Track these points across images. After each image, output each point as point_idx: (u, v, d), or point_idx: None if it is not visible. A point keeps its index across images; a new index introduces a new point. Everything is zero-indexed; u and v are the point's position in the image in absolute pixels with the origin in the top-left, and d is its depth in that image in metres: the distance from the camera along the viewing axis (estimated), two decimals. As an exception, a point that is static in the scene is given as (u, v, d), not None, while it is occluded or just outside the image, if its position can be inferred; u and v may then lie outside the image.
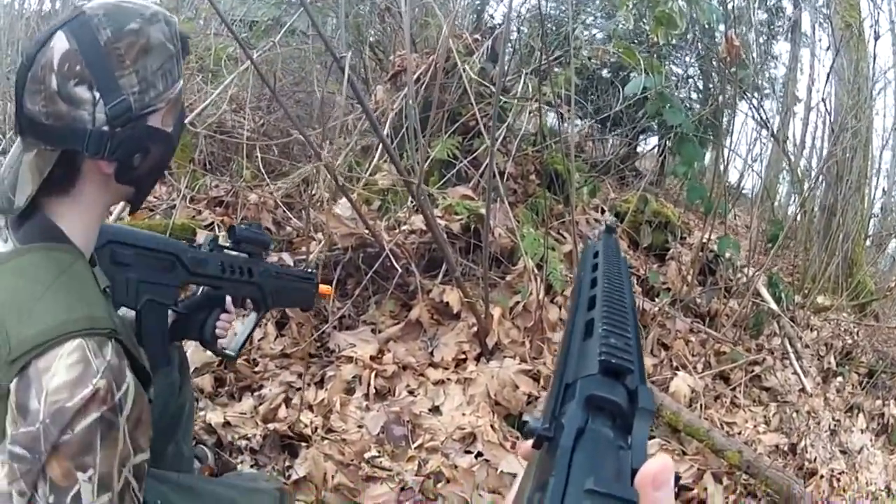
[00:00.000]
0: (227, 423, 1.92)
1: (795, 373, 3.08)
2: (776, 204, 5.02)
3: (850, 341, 3.61)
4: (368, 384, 2.19)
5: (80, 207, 0.93)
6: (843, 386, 3.26)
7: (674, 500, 0.32)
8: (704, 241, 3.18)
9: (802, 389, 2.99)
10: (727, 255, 3.32)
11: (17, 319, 0.80)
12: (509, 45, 3.65)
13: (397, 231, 2.59)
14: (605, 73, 4.55)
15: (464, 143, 2.91)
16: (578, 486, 0.30)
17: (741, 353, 2.96)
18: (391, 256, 2.40)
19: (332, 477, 1.79)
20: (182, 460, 1.46)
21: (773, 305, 3.29)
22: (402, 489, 1.83)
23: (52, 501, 0.76)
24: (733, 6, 3.41)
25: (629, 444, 0.35)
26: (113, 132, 0.88)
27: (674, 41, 4.04)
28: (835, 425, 2.85)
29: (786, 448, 2.58)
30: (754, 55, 4.28)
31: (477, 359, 2.40)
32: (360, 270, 2.52)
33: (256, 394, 2.09)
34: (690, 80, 4.84)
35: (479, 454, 1.99)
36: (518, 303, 2.57)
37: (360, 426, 2.02)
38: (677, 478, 0.32)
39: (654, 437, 2.28)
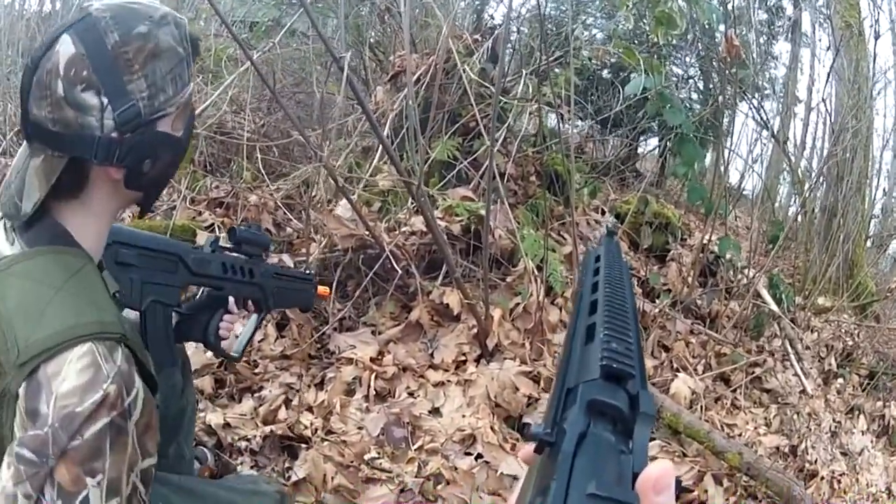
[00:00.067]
0: (226, 425, 1.92)
1: (796, 374, 3.08)
2: (777, 205, 5.02)
3: (850, 343, 3.60)
4: (368, 386, 2.19)
5: (88, 212, 0.92)
6: (844, 387, 3.25)
7: None
8: (705, 242, 3.18)
9: (803, 391, 2.99)
10: (728, 256, 3.31)
11: (25, 323, 0.79)
12: (509, 45, 3.64)
13: (397, 232, 2.59)
14: (605, 73, 4.55)
15: (464, 144, 2.91)
16: (580, 491, 0.30)
17: (742, 355, 2.95)
18: (391, 258, 2.40)
19: (332, 478, 1.79)
20: (183, 462, 1.46)
21: (774, 307, 3.28)
22: (402, 491, 1.83)
23: None
24: (733, 6, 3.40)
25: (630, 448, 0.35)
26: (122, 138, 0.87)
27: (674, 41, 4.04)
28: (835, 427, 2.85)
29: (786, 450, 2.57)
30: (754, 55, 4.28)
31: (477, 360, 2.40)
32: (360, 272, 2.52)
33: (256, 395, 2.09)
34: (691, 81, 4.84)
35: (479, 456, 1.99)
36: (518, 304, 2.57)
37: (359, 428, 2.02)
38: (678, 482, 0.32)
39: (654, 439, 2.28)
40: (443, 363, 2.35)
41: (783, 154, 4.23)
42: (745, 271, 3.44)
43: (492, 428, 2.09)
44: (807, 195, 3.84)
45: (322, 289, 1.61)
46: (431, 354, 2.40)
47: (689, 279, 3.25)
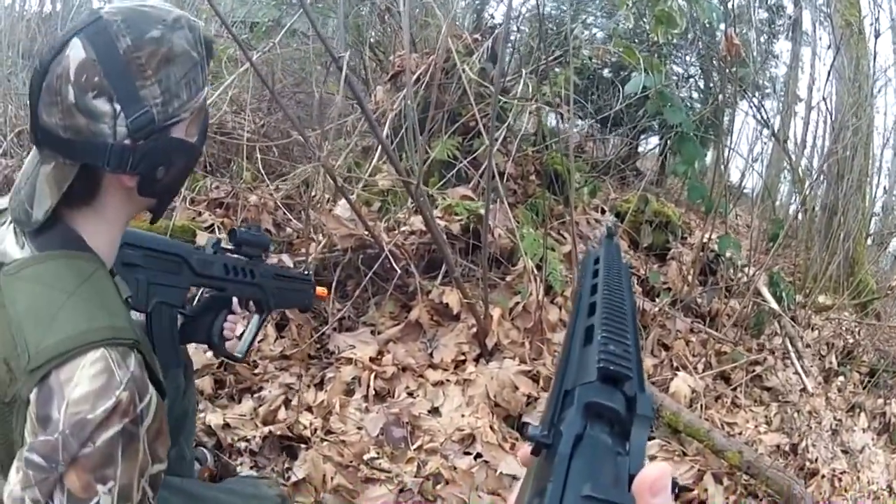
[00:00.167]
0: (226, 425, 1.92)
1: (797, 372, 3.07)
2: (777, 203, 5.02)
3: (851, 340, 3.60)
4: (368, 386, 2.19)
5: (101, 219, 0.90)
6: (845, 385, 3.25)
7: None
8: (705, 240, 3.18)
9: (804, 389, 2.98)
10: (728, 254, 3.31)
11: (36, 327, 0.78)
12: (509, 45, 3.64)
13: (397, 232, 2.59)
14: (605, 72, 4.55)
15: (464, 144, 2.91)
16: (576, 493, 0.30)
17: (742, 353, 2.95)
18: (391, 257, 2.40)
19: (332, 478, 1.80)
20: (184, 464, 1.46)
21: (774, 305, 3.28)
22: (402, 491, 1.83)
23: None
24: (733, 5, 3.40)
25: (627, 450, 0.35)
26: (135, 146, 0.85)
27: (674, 40, 4.03)
28: (836, 425, 2.84)
29: (787, 448, 2.57)
30: (755, 54, 4.28)
31: (476, 360, 2.40)
32: (359, 272, 2.52)
33: (256, 395, 2.10)
34: (691, 80, 4.84)
35: (479, 455, 1.99)
36: (518, 303, 2.58)
37: (359, 428, 2.02)
38: (675, 483, 0.32)
39: (654, 438, 2.28)
40: (442, 363, 2.35)
41: (784, 152, 4.23)
42: (746, 269, 3.44)
43: (491, 427, 2.09)
44: (807, 193, 3.84)
45: (320, 290, 1.62)
46: (431, 354, 2.40)
47: (690, 278, 3.25)
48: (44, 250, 0.86)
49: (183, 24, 0.88)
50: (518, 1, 3.69)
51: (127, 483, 0.77)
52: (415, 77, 2.67)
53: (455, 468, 1.93)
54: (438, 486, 1.86)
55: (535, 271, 2.54)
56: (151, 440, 0.81)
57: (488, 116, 2.32)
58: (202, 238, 2.37)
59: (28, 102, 0.87)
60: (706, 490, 2.13)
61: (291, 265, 2.36)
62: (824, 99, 4.17)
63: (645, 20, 3.62)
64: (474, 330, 2.43)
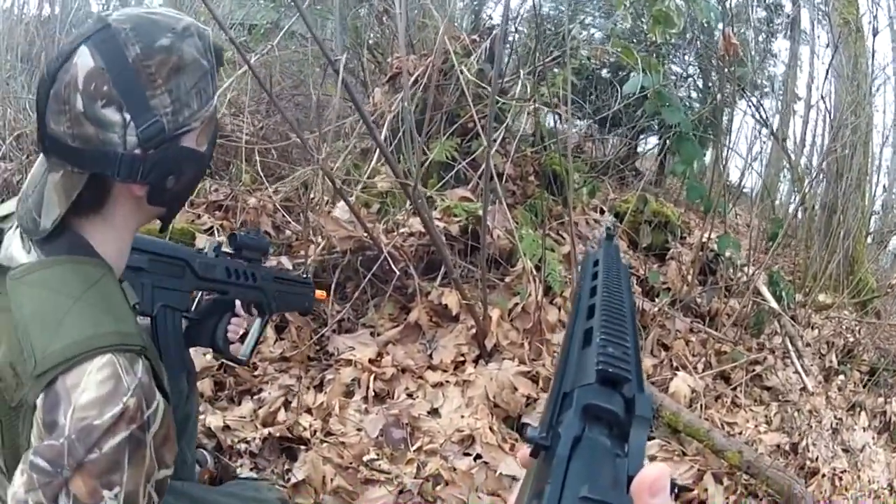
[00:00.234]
0: (226, 427, 1.93)
1: (797, 372, 3.07)
2: (777, 202, 5.02)
3: (851, 339, 3.60)
4: (367, 387, 2.19)
5: (109, 227, 0.90)
6: (845, 384, 3.25)
7: None
8: (704, 240, 3.18)
9: (804, 388, 2.98)
10: (727, 253, 3.31)
11: (42, 332, 0.78)
12: (507, 45, 3.64)
13: (396, 234, 2.59)
14: (604, 72, 4.55)
15: (462, 145, 2.91)
16: (574, 494, 0.30)
17: (742, 353, 2.95)
18: (389, 259, 2.40)
19: (331, 480, 1.80)
20: (185, 467, 1.46)
21: (774, 304, 3.28)
22: (401, 492, 1.83)
23: None
24: (731, 4, 3.41)
25: (626, 451, 0.35)
26: (145, 155, 0.84)
27: (672, 40, 4.03)
28: (836, 424, 2.84)
29: (787, 447, 2.57)
30: (753, 53, 4.28)
31: (476, 361, 2.40)
32: (358, 273, 2.52)
33: (256, 397, 2.10)
34: (690, 79, 4.84)
35: (478, 456, 1.99)
36: (517, 304, 2.58)
37: (358, 429, 2.03)
38: (674, 484, 0.33)
39: (653, 439, 2.28)
40: (441, 364, 2.35)
41: (783, 151, 4.23)
42: (745, 269, 3.44)
43: (490, 428, 2.09)
44: (806, 192, 3.84)
45: (319, 292, 1.62)
46: (430, 355, 2.40)
47: (689, 277, 3.25)
48: (50, 256, 0.85)
49: (192, 32, 0.87)
50: (516, 1, 3.70)
51: (133, 489, 0.77)
52: (413, 78, 2.67)
53: (455, 469, 1.93)
54: (438, 488, 1.86)
55: (534, 272, 2.54)
56: (158, 446, 0.81)
57: (486, 117, 2.32)
58: (201, 241, 2.38)
59: (35, 108, 0.86)
60: (706, 490, 2.13)
61: (291, 267, 2.37)
62: (823, 97, 4.18)
63: (643, 20, 3.62)
64: (473, 331, 2.43)
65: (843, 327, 3.68)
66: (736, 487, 2.21)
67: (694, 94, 4.83)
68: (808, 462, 2.50)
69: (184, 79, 0.85)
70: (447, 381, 2.28)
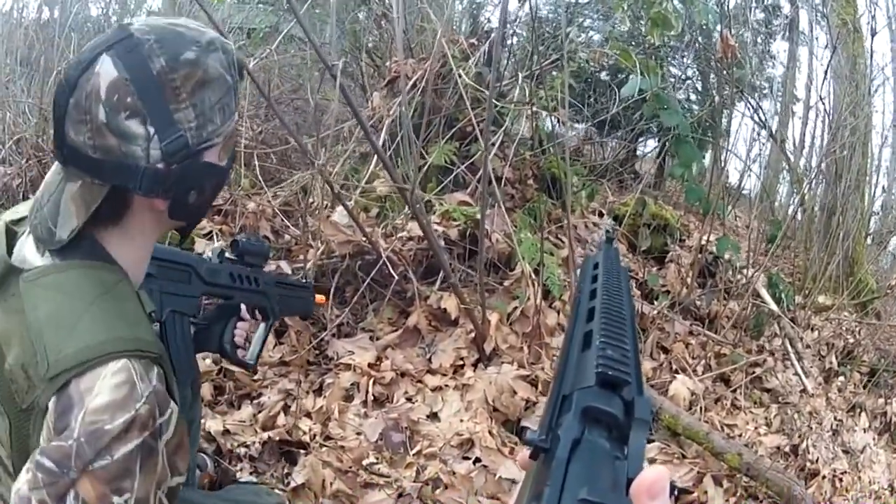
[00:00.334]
0: (226, 431, 1.93)
1: (796, 373, 3.07)
2: (776, 204, 5.02)
3: (851, 340, 3.60)
4: (367, 391, 2.19)
5: (127, 238, 0.89)
6: (845, 385, 3.25)
7: None
8: (703, 242, 3.18)
9: (804, 390, 2.98)
10: (727, 256, 3.31)
11: (56, 335, 0.77)
12: (505, 49, 3.65)
13: (394, 238, 2.59)
14: (602, 75, 4.56)
15: (461, 149, 2.91)
16: (573, 496, 0.31)
17: (741, 355, 2.95)
18: (388, 263, 2.40)
19: (331, 484, 1.80)
20: (187, 472, 1.46)
21: (774, 306, 3.28)
22: (401, 496, 1.84)
23: None
24: (728, 6, 3.41)
25: (626, 454, 0.35)
26: (168, 170, 0.83)
27: (670, 42, 4.04)
28: (837, 425, 2.84)
29: (787, 449, 2.57)
30: (751, 54, 4.28)
31: (475, 365, 2.40)
32: (357, 278, 2.52)
33: (255, 402, 2.10)
34: (688, 81, 4.85)
35: (478, 460, 2.00)
36: (516, 308, 2.58)
37: (358, 433, 2.03)
38: (674, 486, 0.33)
39: (653, 441, 2.28)
40: (441, 368, 2.36)
41: (782, 153, 4.23)
42: (745, 271, 3.44)
43: (490, 432, 2.09)
44: (806, 193, 3.84)
45: (318, 297, 1.63)
46: (429, 359, 2.41)
47: (688, 280, 3.25)
48: (66, 259, 0.84)
49: (217, 46, 0.86)
50: (514, 5, 3.71)
51: (143, 496, 0.76)
52: (411, 82, 2.68)
53: (454, 473, 1.93)
54: (437, 491, 1.87)
55: (533, 276, 2.54)
56: (171, 454, 0.80)
57: (485, 121, 2.32)
58: (201, 245, 2.38)
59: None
60: (706, 492, 2.13)
61: (290, 272, 2.37)
62: (822, 98, 4.18)
63: (641, 22, 3.63)
64: (472, 335, 2.43)
65: (843, 328, 3.68)
66: (736, 490, 2.22)
67: (693, 97, 4.84)
68: (808, 464, 2.50)
69: (208, 94, 0.84)
70: (446, 385, 2.28)
